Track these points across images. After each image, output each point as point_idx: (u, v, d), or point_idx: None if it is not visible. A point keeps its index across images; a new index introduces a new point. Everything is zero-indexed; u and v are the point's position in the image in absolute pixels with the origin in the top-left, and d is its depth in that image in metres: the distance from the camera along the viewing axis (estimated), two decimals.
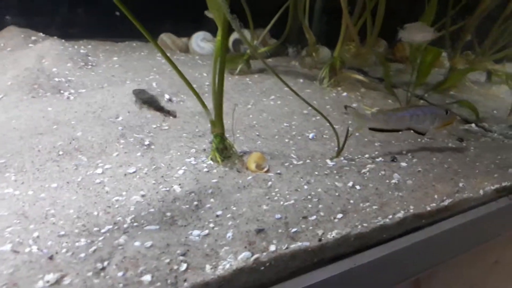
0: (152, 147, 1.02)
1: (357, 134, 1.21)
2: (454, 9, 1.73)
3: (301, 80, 1.73)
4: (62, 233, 0.69)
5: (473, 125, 1.46)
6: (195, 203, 0.81)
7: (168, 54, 1.83)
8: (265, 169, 0.96)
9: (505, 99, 1.73)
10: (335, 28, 1.72)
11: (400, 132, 1.17)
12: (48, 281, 0.58)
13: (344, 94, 1.61)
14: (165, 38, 2.03)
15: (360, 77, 1.72)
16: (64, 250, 0.65)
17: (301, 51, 2.11)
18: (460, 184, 1.01)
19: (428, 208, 0.90)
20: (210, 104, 0.96)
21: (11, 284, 0.58)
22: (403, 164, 1.07)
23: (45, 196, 0.80)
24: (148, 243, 0.67)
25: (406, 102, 1.42)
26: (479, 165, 1.13)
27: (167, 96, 1.32)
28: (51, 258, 0.63)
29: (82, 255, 0.64)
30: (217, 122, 0.97)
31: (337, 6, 1.62)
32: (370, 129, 1.08)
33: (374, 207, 0.87)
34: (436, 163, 1.11)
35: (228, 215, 0.78)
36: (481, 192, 1.01)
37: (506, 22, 1.85)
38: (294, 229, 0.76)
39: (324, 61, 1.84)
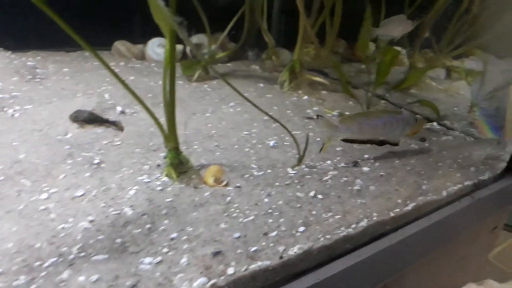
0: (103, 165, 0.96)
1: (318, 139, 1.18)
2: (410, 8, 1.74)
3: (262, 85, 1.70)
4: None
5: (434, 123, 1.45)
6: (148, 226, 0.76)
7: (123, 63, 1.77)
8: (224, 183, 0.91)
9: (465, 96, 1.74)
10: (295, 30, 1.69)
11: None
12: None
13: (305, 97, 1.58)
14: (120, 45, 1.96)
15: (320, 79, 1.70)
16: None
17: (261, 54, 2.08)
18: (423, 187, 0.99)
19: (392, 214, 0.87)
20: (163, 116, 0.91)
21: None
22: (365, 169, 1.05)
23: None
24: (94, 277, 0.62)
25: (367, 102, 1.40)
26: (441, 165, 1.12)
27: (119, 109, 1.26)
28: None
29: None
30: (170, 136, 0.92)
31: (296, 8, 1.59)
32: (342, 140, 1.05)
33: (337, 216, 0.84)
34: (399, 166, 1.09)
35: (184, 238, 0.74)
36: (444, 193, 0.99)
37: (461, 19, 1.87)
38: (253, 248, 0.72)
39: (284, 64, 1.81)
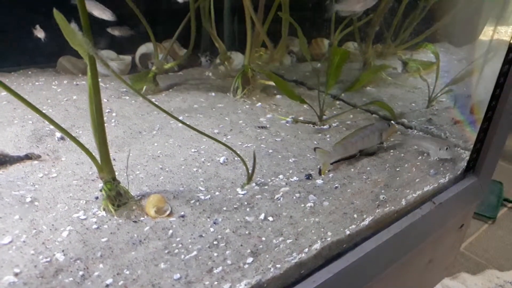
0: (36, 203, 0.88)
1: (270, 151, 1.13)
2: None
3: (213, 93, 1.63)
4: None
5: (392, 122, 1.42)
6: (81, 273, 0.69)
7: (66, 81, 1.67)
8: (167, 213, 0.85)
9: (422, 90, 1.72)
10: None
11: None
12: None
13: (259, 104, 1.52)
14: (64, 61, 1.85)
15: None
16: None
17: (214, 59, 2.01)
18: (381, 197, 0.95)
19: (348, 232, 0.83)
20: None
21: None
22: (319, 181, 1.00)
23: None
24: None
25: (321, 104, 1.35)
26: (399, 171, 1.08)
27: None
28: None
29: None
30: (104, 165, 0.85)
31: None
32: (332, 163, 1.08)
33: (289, 241, 0.78)
34: (354, 175, 1.04)
35: (120, 283, 0.67)
36: (403, 202, 0.95)
37: (414, 9, 1.85)
38: None
39: (237, 70, 1.75)
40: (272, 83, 1.61)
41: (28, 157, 1.05)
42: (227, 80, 1.81)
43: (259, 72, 1.60)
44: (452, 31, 2.05)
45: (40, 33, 1.51)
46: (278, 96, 1.62)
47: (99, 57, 0.72)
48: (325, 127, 1.35)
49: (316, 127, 1.34)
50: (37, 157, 1.05)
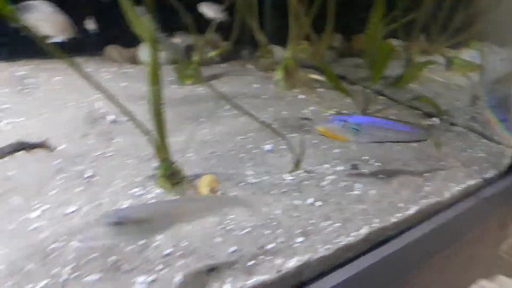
0: (95, 178, 0.94)
1: (314, 141, 1.16)
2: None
3: (257, 85, 1.67)
4: None
5: (436, 119, 1.42)
6: (141, 242, 0.74)
7: (115, 68, 1.74)
8: (219, 193, 0.89)
9: (466, 89, 1.71)
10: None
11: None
12: None
13: (302, 96, 1.55)
14: (111, 50, 1.93)
15: (317, 76, 1.67)
16: None
17: (255, 52, 2.04)
18: (426, 188, 0.97)
19: (393, 220, 0.85)
20: None
21: None
22: (365, 171, 1.02)
23: None
24: None
25: (365, 99, 1.37)
26: (444, 164, 1.09)
27: (112, 117, 1.23)
28: None
29: None
30: (161, 146, 0.89)
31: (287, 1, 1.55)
32: None
33: (337, 225, 0.81)
34: (399, 166, 1.06)
35: (178, 253, 0.71)
36: (447, 194, 0.97)
37: (458, 6, 1.83)
38: (250, 262, 0.70)
39: (280, 62, 1.78)
40: (315, 76, 1.63)
41: (42, 145, 1.06)
42: (269, 72, 1.84)
43: (310, 65, 1.62)
44: (496, 30, 2.02)
45: (89, 25, 1.59)
46: (320, 89, 1.64)
47: (164, 41, 0.76)
48: None
49: None
50: (48, 147, 1.06)
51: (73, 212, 0.82)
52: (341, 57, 2.21)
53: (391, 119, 0.95)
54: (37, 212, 0.82)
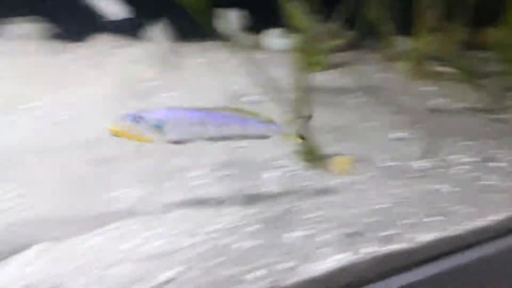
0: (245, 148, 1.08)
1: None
2: None
3: (380, 75, 1.71)
4: None
5: None
6: (287, 206, 0.85)
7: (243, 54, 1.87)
8: (354, 172, 0.98)
9: None
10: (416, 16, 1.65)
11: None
12: None
13: (430, 88, 1.56)
14: (238, 35, 2.06)
15: (444, 68, 1.66)
16: None
17: (380, 42, 2.06)
18: None
19: None
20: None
21: None
22: (502, 164, 1.05)
23: None
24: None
25: (498, 94, 1.34)
26: None
27: (247, 98, 1.38)
28: None
29: None
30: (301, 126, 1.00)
31: None
32: None
33: (471, 209, 0.85)
34: None
35: (319, 218, 0.81)
36: None
37: None
38: (387, 232, 0.77)
39: (405, 52, 1.79)
40: (442, 68, 1.63)
41: None
42: (394, 63, 1.86)
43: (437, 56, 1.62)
44: None
45: None
46: (448, 82, 1.64)
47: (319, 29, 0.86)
48: (501, 116, 1.35)
49: (493, 116, 1.35)
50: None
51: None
52: (468, 50, 2.14)
53: (238, 111, 0.85)
54: None
